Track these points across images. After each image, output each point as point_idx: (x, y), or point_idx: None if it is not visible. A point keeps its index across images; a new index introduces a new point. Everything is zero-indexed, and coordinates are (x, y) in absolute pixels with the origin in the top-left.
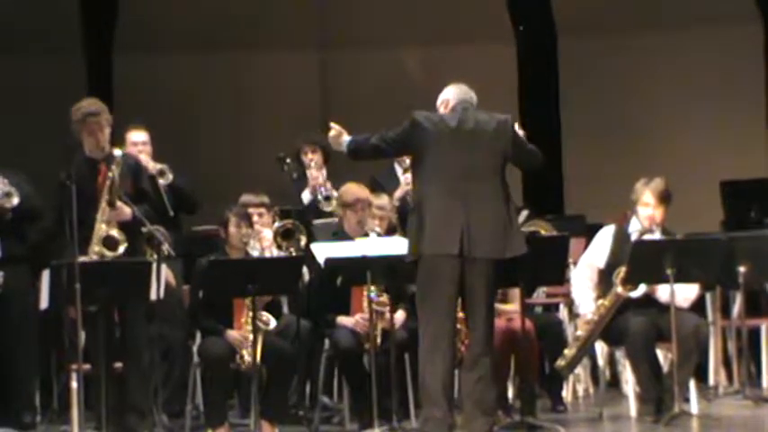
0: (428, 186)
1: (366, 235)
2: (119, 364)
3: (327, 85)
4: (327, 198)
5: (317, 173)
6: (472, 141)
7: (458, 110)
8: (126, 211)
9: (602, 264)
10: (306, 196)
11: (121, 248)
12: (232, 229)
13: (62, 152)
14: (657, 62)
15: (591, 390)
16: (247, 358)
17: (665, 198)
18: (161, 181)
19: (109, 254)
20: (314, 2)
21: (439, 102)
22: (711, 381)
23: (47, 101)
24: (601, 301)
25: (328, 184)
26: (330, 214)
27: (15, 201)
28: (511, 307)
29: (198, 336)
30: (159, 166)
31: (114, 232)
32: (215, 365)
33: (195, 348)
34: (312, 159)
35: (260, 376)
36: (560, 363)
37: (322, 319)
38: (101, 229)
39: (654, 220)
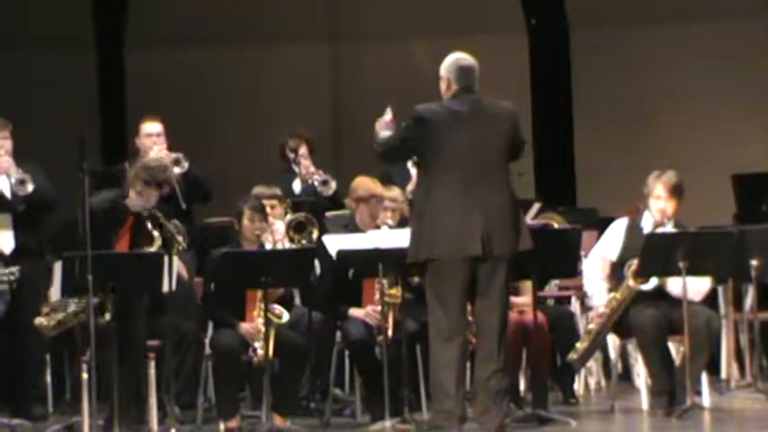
0: (440, 183)
1: (378, 227)
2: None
3: (337, 78)
4: (325, 183)
5: (306, 162)
6: (482, 132)
7: (462, 97)
8: None
9: (614, 257)
10: (296, 186)
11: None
12: (246, 221)
13: (78, 147)
14: (670, 55)
15: (603, 383)
16: (259, 351)
17: (677, 191)
18: (176, 169)
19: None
20: None
21: (441, 73)
22: (723, 374)
23: (59, 95)
24: (612, 294)
25: (320, 171)
26: (332, 198)
27: (30, 188)
28: (523, 300)
29: (210, 328)
30: (174, 154)
31: None
32: (227, 357)
33: (207, 340)
34: (299, 153)
35: (272, 368)
36: (572, 356)
37: (334, 311)
38: None
39: (666, 213)
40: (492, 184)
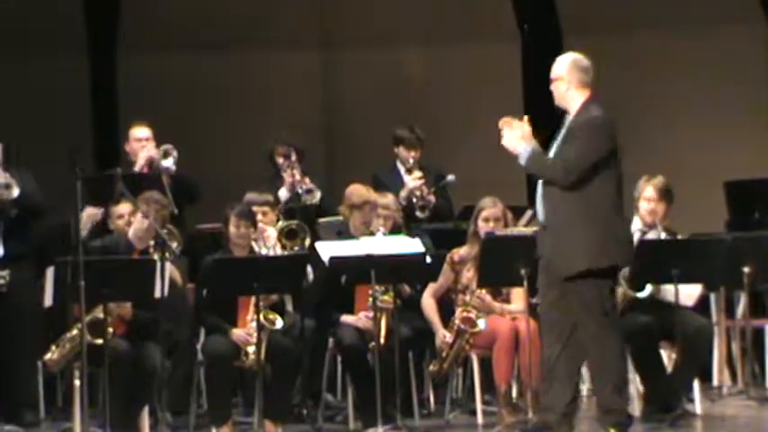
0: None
1: (371, 234)
2: None
3: (329, 85)
4: (309, 191)
5: (296, 171)
6: None
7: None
8: (127, 310)
9: None
10: (282, 194)
11: (99, 340)
12: (232, 228)
13: (70, 153)
14: (662, 62)
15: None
16: (251, 356)
17: (666, 194)
18: (164, 163)
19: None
20: (316, 1)
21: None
22: (715, 381)
23: (50, 100)
24: None
25: (306, 179)
26: (317, 206)
27: (15, 192)
28: (515, 307)
29: (202, 334)
30: (163, 147)
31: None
32: (218, 364)
33: (199, 347)
34: (291, 159)
35: (263, 374)
36: None
37: (326, 317)
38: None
39: (656, 214)
40: None
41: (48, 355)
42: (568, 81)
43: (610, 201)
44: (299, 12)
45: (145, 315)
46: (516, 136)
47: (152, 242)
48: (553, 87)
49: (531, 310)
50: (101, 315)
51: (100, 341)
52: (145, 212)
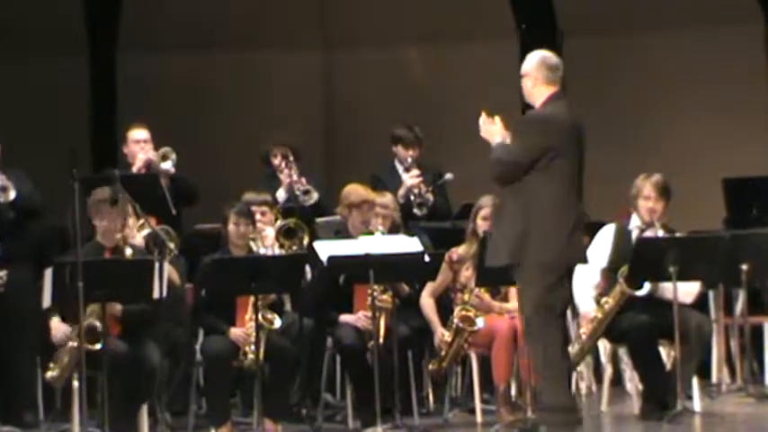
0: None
1: (370, 233)
2: None
3: (330, 85)
4: (306, 192)
5: (291, 171)
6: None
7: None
8: (117, 308)
9: (603, 263)
10: (281, 194)
11: (98, 345)
12: (231, 226)
13: (69, 155)
14: (660, 61)
15: (594, 388)
16: (250, 356)
17: (665, 192)
18: (163, 165)
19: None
20: (316, 1)
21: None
22: (714, 378)
23: (50, 100)
24: (605, 299)
25: (303, 180)
26: (314, 207)
27: (12, 195)
28: (513, 305)
29: (201, 334)
30: (161, 150)
31: (98, 323)
32: (217, 364)
33: (198, 347)
34: (289, 160)
35: (262, 374)
36: None
37: (324, 316)
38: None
39: (655, 212)
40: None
41: (48, 374)
42: (535, 78)
43: (545, 198)
44: (299, 12)
45: (135, 308)
46: (496, 129)
47: (118, 235)
48: (522, 84)
49: None
50: (94, 320)
51: (98, 346)
52: (101, 213)
